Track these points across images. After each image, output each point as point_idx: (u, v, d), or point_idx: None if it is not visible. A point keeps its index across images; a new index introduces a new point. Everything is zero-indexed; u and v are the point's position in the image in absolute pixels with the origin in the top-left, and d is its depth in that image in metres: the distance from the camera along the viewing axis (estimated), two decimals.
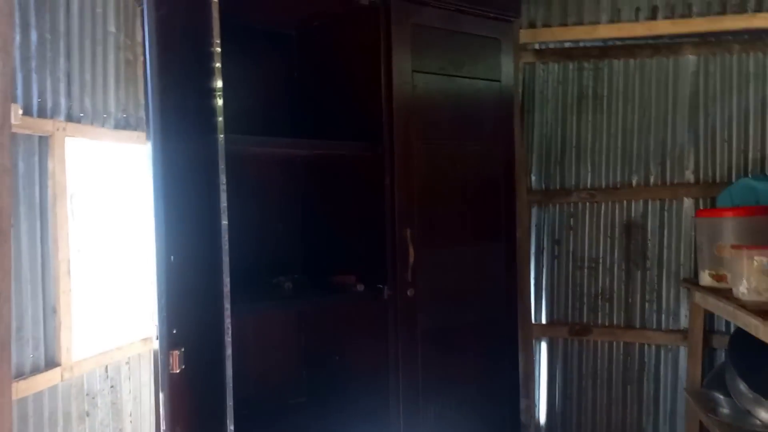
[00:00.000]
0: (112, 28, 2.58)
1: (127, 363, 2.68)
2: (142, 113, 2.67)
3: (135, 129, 2.67)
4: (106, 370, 2.57)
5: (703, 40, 3.11)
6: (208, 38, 1.65)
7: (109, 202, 2.69)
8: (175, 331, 1.56)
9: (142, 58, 2.58)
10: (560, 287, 3.35)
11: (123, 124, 2.63)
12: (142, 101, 2.66)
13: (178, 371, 1.53)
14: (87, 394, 2.46)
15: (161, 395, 1.52)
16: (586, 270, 3.31)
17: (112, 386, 2.59)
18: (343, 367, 2.53)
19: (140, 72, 2.67)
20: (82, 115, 2.44)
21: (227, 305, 1.68)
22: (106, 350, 2.56)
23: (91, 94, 2.49)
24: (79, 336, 2.43)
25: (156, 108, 1.56)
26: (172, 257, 1.60)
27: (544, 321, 3.38)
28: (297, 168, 2.66)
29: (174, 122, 1.60)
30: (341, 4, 2.16)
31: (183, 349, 1.55)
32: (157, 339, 1.60)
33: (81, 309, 2.46)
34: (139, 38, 2.67)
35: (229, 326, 1.68)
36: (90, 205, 2.56)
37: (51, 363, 2.29)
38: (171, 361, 1.53)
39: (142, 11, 2.37)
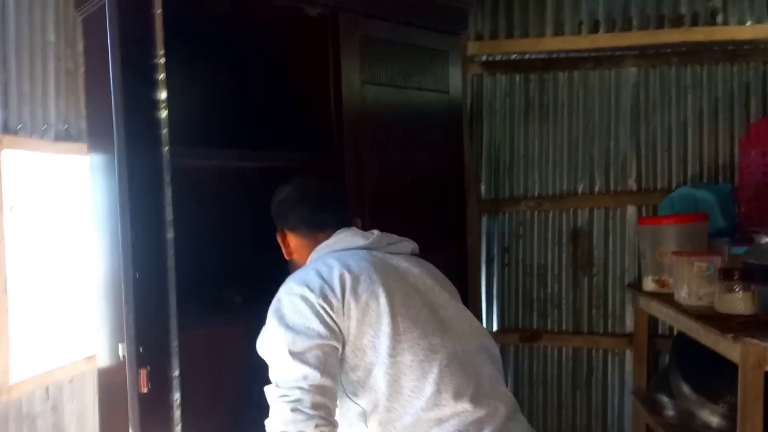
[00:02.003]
0: (51, 38, 2.50)
1: (70, 382, 2.58)
2: (84, 124, 2.59)
3: (76, 140, 2.58)
4: (47, 391, 2.47)
5: (642, 52, 3.22)
6: (151, 50, 1.62)
7: (50, 215, 2.60)
8: (141, 350, 1.52)
9: (83, 68, 2.51)
10: (510, 294, 3.40)
11: (64, 136, 2.55)
12: (84, 112, 2.59)
13: (146, 390, 1.48)
14: (26, 417, 2.36)
15: (130, 415, 1.46)
16: (535, 277, 3.37)
17: (53, 407, 2.49)
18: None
19: (81, 82, 2.59)
20: (20, 126, 2.35)
21: (174, 323, 1.64)
22: (48, 370, 2.47)
23: (30, 105, 2.40)
24: (18, 356, 2.33)
25: (120, 121, 1.52)
26: (137, 274, 1.54)
27: (495, 328, 3.42)
28: (248, 178, 2.63)
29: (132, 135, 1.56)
30: (289, 14, 2.14)
31: (149, 368, 1.51)
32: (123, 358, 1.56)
33: (20, 327, 2.36)
34: (80, 48, 2.60)
35: (176, 346, 1.64)
36: (29, 219, 2.47)
37: None
38: (140, 380, 1.48)
39: (84, 20, 2.32)
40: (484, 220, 3.40)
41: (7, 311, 2.26)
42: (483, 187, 3.39)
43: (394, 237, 1.65)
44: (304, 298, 1.39)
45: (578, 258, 3.31)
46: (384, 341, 1.37)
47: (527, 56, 3.35)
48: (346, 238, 1.58)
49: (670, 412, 2.69)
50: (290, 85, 2.45)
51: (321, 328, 1.35)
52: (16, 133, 2.33)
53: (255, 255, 2.62)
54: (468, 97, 3.26)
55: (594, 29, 3.21)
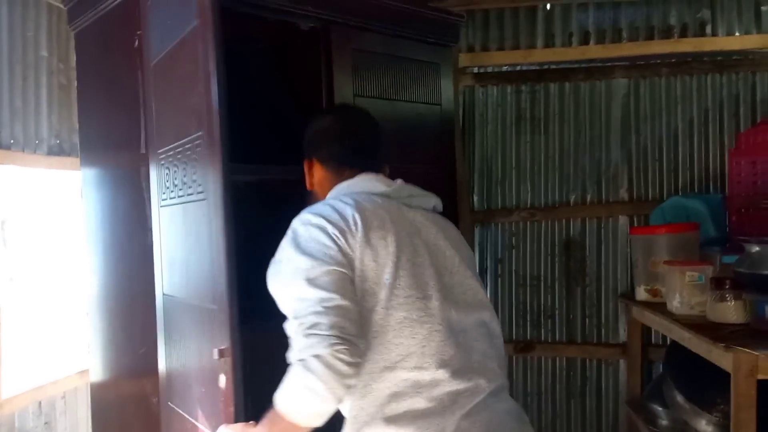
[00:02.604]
0: (44, 52, 2.51)
1: (63, 398, 2.57)
2: (76, 139, 2.59)
3: (69, 155, 2.59)
4: (40, 406, 2.46)
5: (633, 63, 3.24)
6: None
7: (43, 229, 2.59)
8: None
9: (76, 83, 2.52)
10: (504, 305, 3.40)
11: (56, 150, 2.55)
12: (77, 126, 2.59)
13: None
14: None
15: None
16: (528, 288, 3.37)
17: (46, 423, 2.48)
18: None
19: (74, 96, 2.60)
20: (12, 141, 2.35)
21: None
22: (40, 385, 2.46)
23: (23, 120, 2.40)
24: (11, 371, 2.32)
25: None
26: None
27: None
28: (240, 192, 2.62)
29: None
30: (282, 29, 2.15)
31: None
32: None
33: (12, 342, 2.35)
34: (72, 62, 2.61)
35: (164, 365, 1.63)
36: (22, 233, 2.47)
37: None
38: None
39: (77, 35, 2.33)
40: (477, 231, 3.41)
41: (0, 326, 2.25)
42: (475, 198, 3.40)
43: (417, 189, 1.58)
44: (321, 228, 1.35)
45: (571, 268, 3.32)
46: (382, 291, 1.32)
47: (518, 68, 3.37)
48: (368, 182, 1.52)
49: (663, 422, 2.69)
50: (282, 98, 2.46)
51: (338, 256, 1.31)
52: (8, 148, 2.33)
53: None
54: (460, 108, 3.28)
55: (584, 41, 3.24)
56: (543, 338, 3.36)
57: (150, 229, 1.84)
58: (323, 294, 1.25)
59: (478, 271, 3.33)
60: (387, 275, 1.33)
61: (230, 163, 1.44)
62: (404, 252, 1.37)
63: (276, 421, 1.24)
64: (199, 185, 1.51)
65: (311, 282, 1.26)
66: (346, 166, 1.57)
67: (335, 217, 1.37)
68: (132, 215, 1.98)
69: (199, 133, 1.49)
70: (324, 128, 1.65)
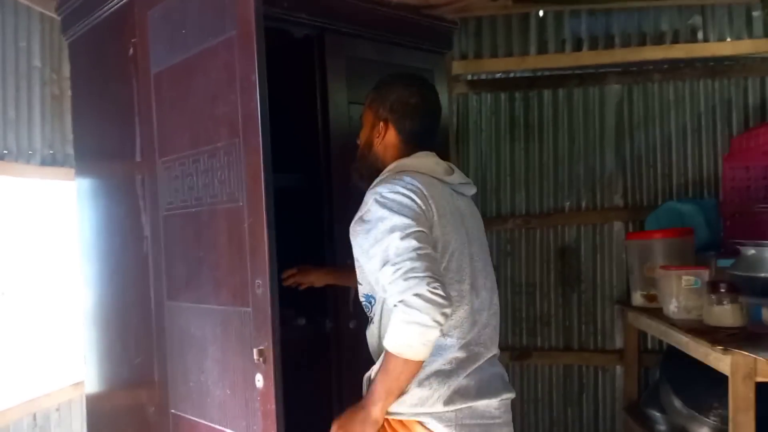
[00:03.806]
0: (37, 63, 2.50)
1: (57, 410, 2.55)
2: (70, 149, 2.58)
3: (62, 165, 2.58)
4: (35, 419, 2.44)
5: (625, 69, 3.26)
6: None
7: (37, 240, 2.58)
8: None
9: (69, 92, 2.51)
10: (500, 313, 3.38)
11: (50, 161, 2.54)
12: (70, 137, 2.58)
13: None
14: None
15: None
16: (524, 295, 3.37)
17: None
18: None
19: (67, 107, 2.59)
20: (5, 152, 2.34)
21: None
22: (35, 397, 2.43)
23: (16, 131, 2.39)
24: (5, 383, 2.30)
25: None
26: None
27: None
28: None
29: None
30: (276, 37, 2.15)
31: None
32: None
33: (6, 355, 2.34)
34: (65, 72, 2.60)
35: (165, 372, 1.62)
36: (15, 245, 2.45)
37: None
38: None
39: (70, 44, 2.33)
40: None
41: None
42: None
43: (464, 177, 1.75)
44: (409, 197, 1.52)
45: (566, 275, 3.32)
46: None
47: (512, 75, 3.38)
48: (430, 164, 1.67)
49: (661, 427, 2.69)
50: (276, 107, 2.46)
51: (424, 220, 1.51)
52: (2, 158, 2.32)
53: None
54: (453, 116, 3.28)
55: (577, 47, 3.25)
56: (539, 345, 3.35)
57: (145, 238, 1.83)
58: (416, 244, 1.44)
59: None
60: (444, 256, 1.54)
61: None
62: (453, 239, 1.57)
63: (389, 368, 1.47)
64: (229, 191, 1.53)
65: (406, 236, 1.46)
66: (416, 142, 1.71)
67: (418, 191, 1.54)
68: (126, 224, 1.97)
69: (233, 141, 1.51)
70: (410, 101, 1.73)
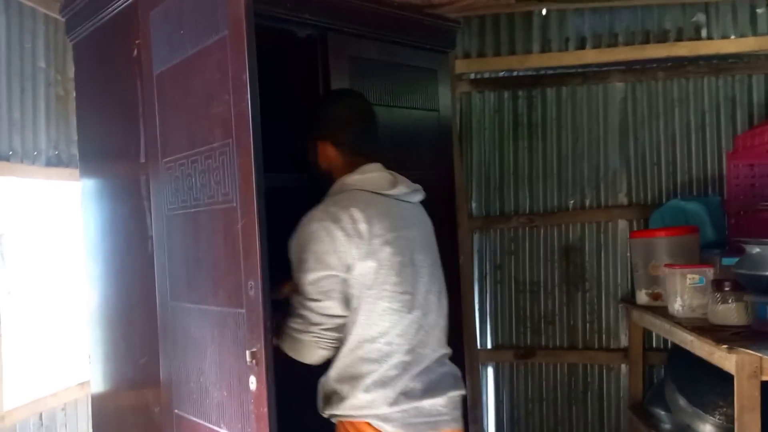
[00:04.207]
0: (41, 64, 2.51)
1: (63, 409, 2.56)
2: (75, 150, 2.59)
3: (67, 166, 2.59)
4: (41, 418, 2.45)
5: (629, 67, 3.26)
6: None
7: (42, 240, 2.59)
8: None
9: (74, 93, 2.52)
10: (504, 312, 3.39)
11: (55, 162, 2.55)
12: (75, 137, 2.59)
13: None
14: None
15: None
16: (528, 294, 3.37)
17: None
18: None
19: (72, 107, 2.60)
20: (11, 153, 2.35)
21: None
22: (41, 397, 2.45)
23: (21, 132, 2.40)
24: (12, 383, 2.31)
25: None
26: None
27: (489, 346, 3.41)
28: None
29: None
30: (278, 36, 2.16)
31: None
32: None
33: (13, 355, 2.34)
34: (70, 73, 2.61)
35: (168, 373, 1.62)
36: (21, 245, 2.46)
37: None
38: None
39: (75, 45, 2.33)
40: (476, 237, 3.41)
41: (0, 339, 2.25)
42: (473, 205, 3.40)
43: (411, 185, 1.80)
44: (329, 230, 1.60)
45: (571, 274, 3.32)
46: (374, 287, 1.61)
47: (515, 73, 3.38)
48: (374, 178, 1.74)
49: (666, 426, 2.68)
50: (280, 106, 2.46)
51: (335, 261, 1.59)
52: (7, 159, 2.33)
53: None
54: (457, 115, 3.28)
55: (581, 45, 3.25)
56: (544, 344, 3.35)
57: (150, 238, 1.83)
58: (314, 294, 1.60)
59: (477, 278, 3.36)
60: (380, 275, 1.61)
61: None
62: (397, 254, 1.64)
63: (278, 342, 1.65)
64: (224, 192, 1.53)
65: (309, 281, 1.61)
66: (356, 153, 1.79)
67: (344, 221, 1.61)
68: (131, 224, 1.97)
69: (226, 141, 1.51)
70: (341, 115, 1.84)
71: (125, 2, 1.90)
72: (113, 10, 1.97)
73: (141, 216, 1.89)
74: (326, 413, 1.69)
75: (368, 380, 1.60)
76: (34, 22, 2.48)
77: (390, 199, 1.73)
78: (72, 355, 2.68)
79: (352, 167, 1.76)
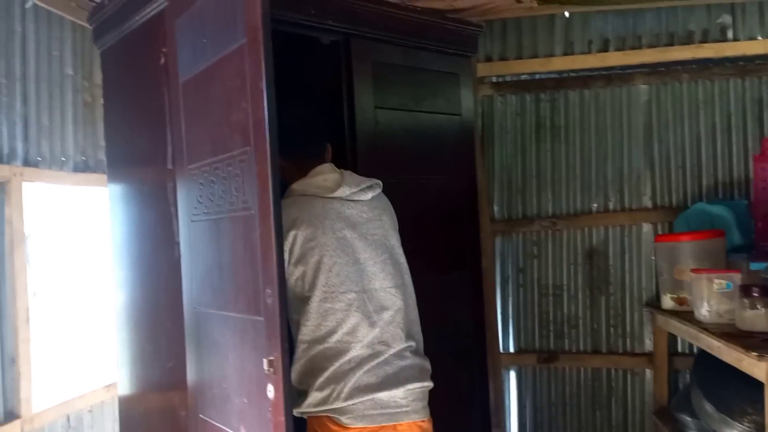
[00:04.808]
0: (69, 71, 2.55)
1: (90, 411, 2.59)
2: (102, 155, 2.63)
3: (94, 171, 2.63)
4: (68, 420, 2.48)
5: (653, 70, 3.22)
6: None
7: (70, 245, 2.63)
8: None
9: (102, 100, 2.56)
10: (526, 315, 3.38)
11: (82, 167, 2.59)
12: (102, 143, 2.63)
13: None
14: None
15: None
16: (551, 297, 3.35)
17: None
18: None
19: (99, 114, 2.64)
20: (39, 159, 2.39)
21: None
22: (68, 399, 2.48)
23: (49, 138, 2.44)
24: (40, 386, 2.35)
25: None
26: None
27: (512, 350, 3.40)
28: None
29: None
30: (303, 43, 2.17)
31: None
32: None
33: (41, 358, 2.38)
34: (97, 80, 2.65)
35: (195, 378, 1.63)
36: (49, 250, 2.51)
37: (10, 415, 2.21)
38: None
39: (103, 53, 2.37)
40: (498, 240, 3.40)
41: (29, 342, 2.29)
42: (495, 208, 3.39)
43: (359, 184, 1.83)
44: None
45: (594, 277, 3.30)
46: (315, 290, 1.68)
47: (537, 76, 3.37)
48: (317, 182, 1.80)
49: None
50: (303, 112, 2.48)
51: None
52: (36, 165, 2.37)
53: None
54: (478, 118, 3.28)
55: (604, 48, 3.23)
56: (567, 348, 3.33)
57: (177, 244, 1.85)
58: None
59: (499, 281, 3.35)
60: (316, 278, 1.68)
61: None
62: (333, 255, 1.70)
63: None
64: (244, 199, 1.54)
65: None
66: (298, 161, 1.85)
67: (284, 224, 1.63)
68: (158, 230, 1.99)
69: (245, 148, 1.52)
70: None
71: (153, 11, 1.92)
72: (141, 19, 1.99)
73: (168, 221, 1.91)
74: (295, 412, 1.69)
75: (321, 378, 1.66)
76: (62, 30, 2.52)
77: (333, 200, 1.78)
78: (98, 358, 2.72)
79: (303, 172, 1.83)
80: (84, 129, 2.61)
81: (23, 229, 2.28)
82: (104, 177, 2.54)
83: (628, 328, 3.25)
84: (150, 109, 2.00)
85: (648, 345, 3.20)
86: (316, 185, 1.80)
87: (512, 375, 3.40)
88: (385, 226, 1.87)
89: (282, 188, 1.74)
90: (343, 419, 1.64)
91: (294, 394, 1.70)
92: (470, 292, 2.62)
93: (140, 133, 2.13)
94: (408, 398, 1.71)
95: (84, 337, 2.69)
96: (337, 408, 1.65)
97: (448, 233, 2.57)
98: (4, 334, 2.21)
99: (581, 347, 3.30)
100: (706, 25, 3.12)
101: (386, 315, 1.75)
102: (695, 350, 2.99)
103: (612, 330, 3.27)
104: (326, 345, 1.67)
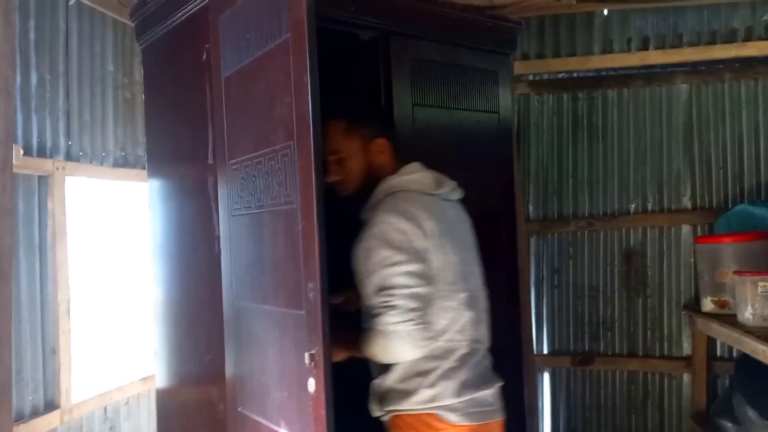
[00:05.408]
0: (110, 67, 2.59)
1: (126, 404, 2.63)
2: (141, 151, 2.66)
3: (134, 167, 2.66)
4: (105, 412, 2.52)
5: (694, 69, 3.16)
6: None
7: (108, 239, 2.67)
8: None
9: (142, 96, 2.59)
10: (561, 317, 3.34)
11: (122, 162, 2.62)
12: (141, 139, 2.66)
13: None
14: None
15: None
16: (586, 299, 3.31)
17: (111, 428, 2.54)
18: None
19: (138, 110, 2.67)
20: (81, 153, 2.43)
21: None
22: (106, 391, 2.52)
23: (90, 133, 2.48)
24: (79, 377, 2.38)
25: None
26: None
27: (545, 351, 3.36)
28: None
29: None
30: (342, 39, 2.17)
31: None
32: None
33: (81, 349, 2.42)
34: (137, 77, 2.68)
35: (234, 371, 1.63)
36: (89, 243, 2.54)
37: (50, 406, 2.25)
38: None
39: (144, 50, 2.39)
40: (533, 241, 3.36)
41: (70, 333, 2.32)
42: (530, 208, 3.36)
43: (451, 183, 1.83)
44: (399, 228, 1.61)
45: (631, 279, 3.25)
46: (436, 285, 1.65)
47: (575, 75, 3.32)
48: (419, 179, 1.76)
49: None
50: (341, 110, 2.48)
51: (414, 251, 1.60)
52: (78, 160, 2.41)
53: None
54: (514, 117, 3.24)
55: (643, 46, 3.18)
56: (602, 351, 3.28)
57: (217, 238, 1.86)
58: (406, 281, 1.58)
59: (534, 282, 3.32)
60: (439, 273, 1.65)
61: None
62: (448, 252, 1.67)
63: (364, 349, 1.64)
64: (286, 194, 1.54)
65: (399, 272, 1.58)
66: (395, 151, 1.83)
67: (410, 217, 1.63)
68: (198, 225, 2.01)
69: (288, 143, 1.52)
70: (376, 113, 1.94)
71: (195, 7, 1.94)
72: (183, 15, 2.01)
73: (208, 216, 1.93)
74: (384, 410, 1.71)
75: (432, 376, 1.64)
76: (104, 27, 2.56)
77: (436, 198, 1.76)
78: (136, 351, 2.75)
79: (394, 168, 1.79)
80: (124, 125, 2.64)
81: (65, 222, 2.32)
82: (143, 172, 2.57)
83: (665, 331, 3.19)
84: (191, 105, 2.02)
85: (686, 349, 3.14)
86: (417, 182, 1.76)
87: (546, 377, 3.36)
88: (471, 228, 1.88)
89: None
90: (452, 417, 1.63)
91: (379, 394, 1.72)
92: (506, 293, 2.59)
93: (181, 128, 2.15)
94: (494, 397, 1.74)
95: (122, 331, 2.72)
96: (446, 405, 1.64)
97: (484, 233, 2.53)
98: (46, 325, 2.25)
99: (617, 350, 3.25)
100: (750, 22, 3.06)
101: (481, 315, 1.78)
102: (735, 354, 2.93)
103: (649, 333, 3.22)
104: (437, 343, 1.66)
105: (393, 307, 1.58)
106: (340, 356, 1.66)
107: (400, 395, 1.67)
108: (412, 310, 1.58)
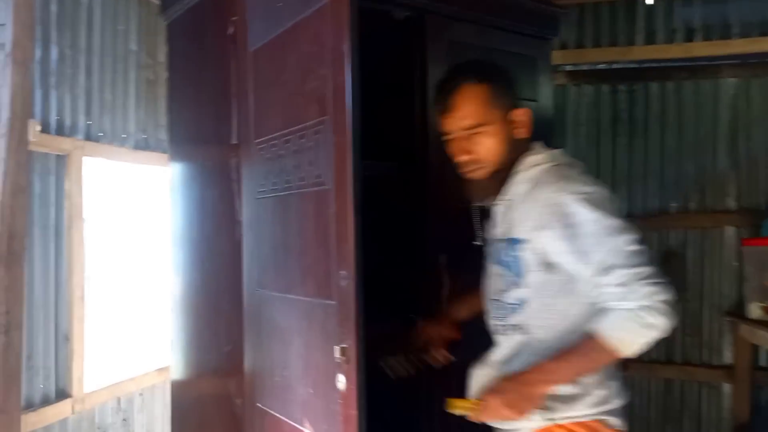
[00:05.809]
0: (133, 46, 2.50)
1: (141, 395, 2.54)
2: (162, 134, 2.57)
3: (154, 150, 2.57)
4: (119, 402, 2.43)
5: (743, 62, 3.01)
6: None
7: (126, 224, 2.58)
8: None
9: (163, 79, 2.50)
10: None
11: (142, 145, 2.54)
12: (163, 122, 2.57)
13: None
14: (98, 428, 2.33)
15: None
16: None
17: (124, 419, 2.45)
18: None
19: (161, 92, 2.58)
20: (101, 134, 2.34)
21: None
22: (119, 381, 2.43)
23: (111, 113, 2.40)
24: (92, 366, 2.30)
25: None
26: None
27: None
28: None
29: None
30: (375, 17, 2.06)
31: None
32: None
33: (94, 337, 2.34)
34: (160, 58, 2.59)
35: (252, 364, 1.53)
36: (106, 228, 2.46)
37: (62, 394, 2.17)
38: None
39: (169, 25, 2.30)
40: None
41: (83, 320, 2.24)
42: None
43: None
44: (608, 195, 1.42)
45: (670, 282, 3.08)
46: None
47: (615, 66, 3.18)
48: (559, 155, 1.56)
49: None
50: (372, 91, 2.37)
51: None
52: (98, 140, 2.32)
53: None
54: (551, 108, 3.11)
55: (689, 37, 3.03)
56: (638, 357, 3.12)
57: (239, 223, 1.76)
58: (641, 248, 1.37)
59: None
60: None
61: None
62: None
63: (594, 355, 1.37)
64: (317, 173, 1.42)
65: (630, 239, 1.35)
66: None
67: (602, 186, 1.44)
68: (220, 209, 1.91)
69: (322, 119, 1.40)
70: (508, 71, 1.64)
71: None
72: None
73: (230, 200, 1.83)
74: (544, 417, 1.43)
75: (602, 375, 1.45)
76: (128, 5, 2.47)
77: None
78: (151, 341, 2.67)
79: (528, 147, 1.53)
80: (146, 107, 2.56)
81: (82, 204, 2.24)
82: (163, 156, 2.48)
83: (705, 338, 3.04)
84: (214, 82, 1.92)
85: (727, 357, 2.98)
86: (565, 159, 1.56)
87: None
88: None
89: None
90: (618, 421, 1.45)
91: (556, 398, 1.43)
92: None
93: (204, 108, 2.05)
94: None
95: (137, 319, 2.64)
96: (613, 409, 1.45)
97: None
98: (59, 311, 2.17)
99: (653, 356, 3.10)
100: None
101: None
102: None
103: (688, 339, 3.06)
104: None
105: (650, 275, 1.35)
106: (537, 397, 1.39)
107: (563, 399, 1.42)
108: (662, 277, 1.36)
